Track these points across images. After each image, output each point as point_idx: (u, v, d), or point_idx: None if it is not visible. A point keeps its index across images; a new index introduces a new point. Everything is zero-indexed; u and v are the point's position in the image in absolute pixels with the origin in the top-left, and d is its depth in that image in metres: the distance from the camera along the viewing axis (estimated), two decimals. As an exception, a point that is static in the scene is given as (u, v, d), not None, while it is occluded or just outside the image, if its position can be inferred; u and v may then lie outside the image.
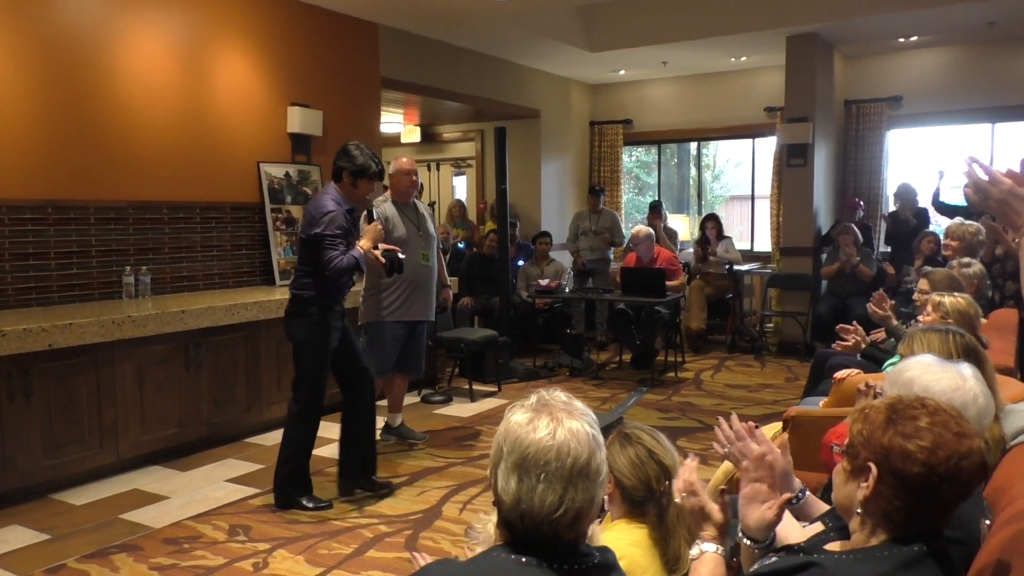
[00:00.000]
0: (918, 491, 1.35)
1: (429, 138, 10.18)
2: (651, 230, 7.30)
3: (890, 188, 8.25)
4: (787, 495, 1.79)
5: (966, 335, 2.44)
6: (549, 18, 7.30)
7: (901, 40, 7.81)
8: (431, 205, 9.17)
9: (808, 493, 1.94)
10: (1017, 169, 1.52)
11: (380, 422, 4.84)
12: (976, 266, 4.62)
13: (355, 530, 3.67)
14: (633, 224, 8.67)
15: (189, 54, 5.33)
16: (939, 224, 7.43)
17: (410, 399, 6.17)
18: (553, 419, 1.29)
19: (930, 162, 8.56)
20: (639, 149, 10.99)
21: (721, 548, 1.70)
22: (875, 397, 2.32)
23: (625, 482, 2.01)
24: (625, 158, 10.11)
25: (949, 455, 1.33)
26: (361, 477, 4.17)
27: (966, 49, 7.94)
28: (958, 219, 5.53)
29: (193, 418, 4.81)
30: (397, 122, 9.48)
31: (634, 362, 7.25)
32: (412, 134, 9.87)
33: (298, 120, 5.93)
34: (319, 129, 6.12)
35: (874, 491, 1.38)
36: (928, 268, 6.10)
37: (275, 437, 5.12)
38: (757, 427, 1.87)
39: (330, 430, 5.25)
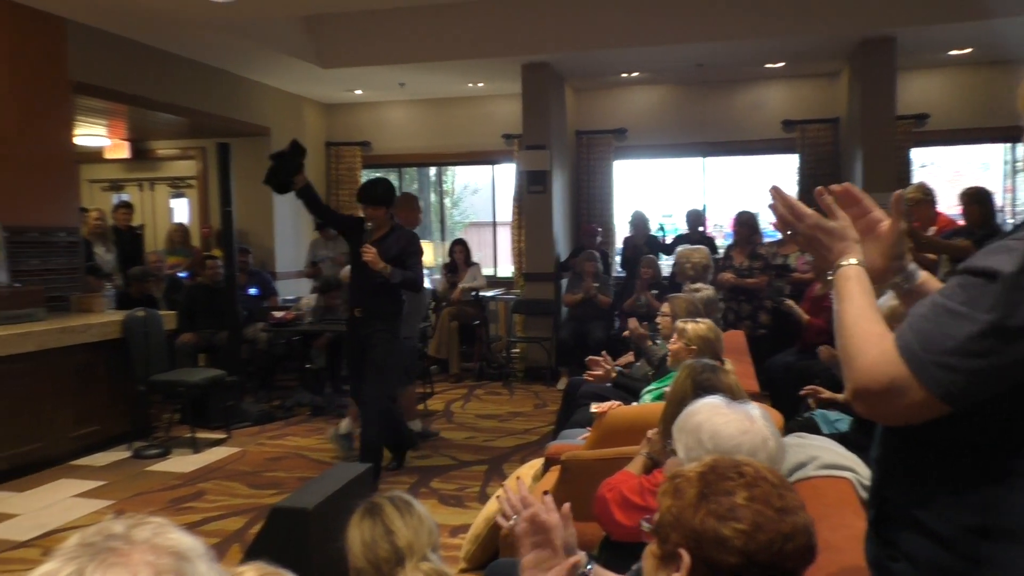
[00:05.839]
0: None
1: (141, 155, 9.02)
2: None
3: (617, 216, 8.70)
4: (574, 558, 1.55)
5: (707, 371, 2.34)
6: (275, 29, 6.75)
7: (624, 75, 8.28)
8: (139, 228, 8.10)
9: (595, 566, 1.70)
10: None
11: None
12: (707, 290, 4.85)
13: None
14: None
15: None
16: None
17: (119, 455, 5.26)
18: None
19: (651, 191, 9.21)
20: (379, 173, 10.65)
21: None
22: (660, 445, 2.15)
23: (355, 563, 1.67)
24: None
25: (771, 539, 1.09)
26: None
27: (680, 88, 8.61)
28: (682, 246, 5.86)
29: None
30: (100, 135, 8.26)
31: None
32: (119, 150, 8.67)
33: (-41, 124, 4.82)
34: (-11, 137, 5.04)
35: None
36: (655, 292, 6.42)
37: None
38: (546, 493, 1.60)
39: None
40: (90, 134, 8.00)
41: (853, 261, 1.21)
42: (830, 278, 1.23)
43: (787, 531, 1.10)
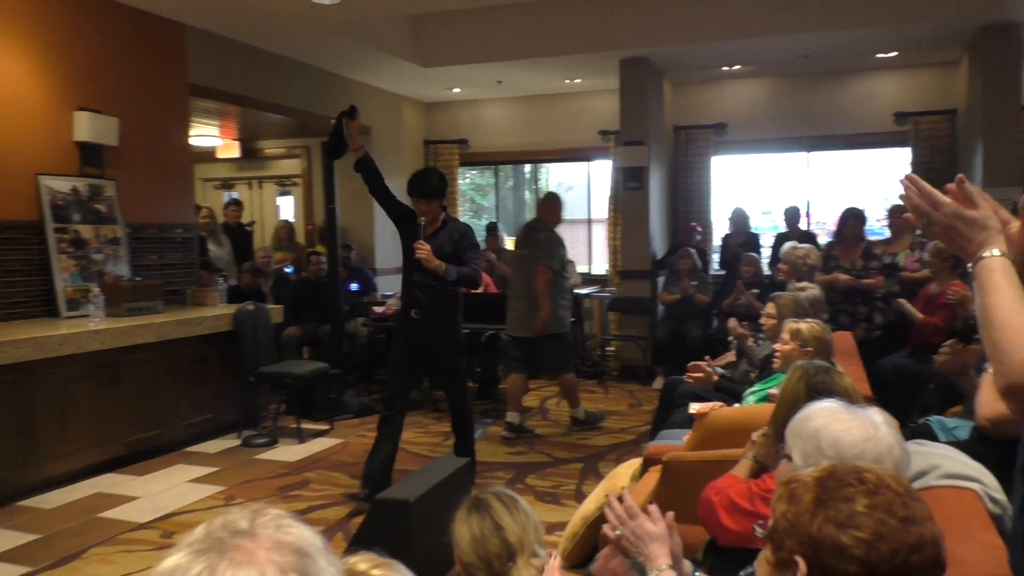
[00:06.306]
0: None
1: (250, 154, 9.42)
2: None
3: (714, 212, 8.51)
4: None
5: (821, 373, 2.19)
6: (377, 29, 6.90)
7: (725, 69, 8.08)
8: (250, 225, 8.42)
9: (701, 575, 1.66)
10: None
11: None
12: (812, 290, 4.67)
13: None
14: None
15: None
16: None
17: (229, 442, 5.49)
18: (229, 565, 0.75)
19: (752, 187, 8.95)
20: (473, 171, 10.77)
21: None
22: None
23: (464, 559, 1.67)
24: (460, 180, 9.84)
25: (894, 549, 1.04)
26: None
27: (784, 80, 8.34)
28: (790, 243, 5.66)
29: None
30: (213, 135, 8.67)
31: (477, 392, 6.90)
32: (230, 149, 9.08)
33: (87, 127, 5.12)
34: (114, 138, 5.33)
35: None
36: (755, 291, 6.23)
37: (57, 498, 4.32)
38: (652, 503, 1.57)
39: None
40: (203, 134, 8.40)
41: (996, 252, 1.14)
42: (971, 270, 1.16)
43: (912, 542, 1.04)
